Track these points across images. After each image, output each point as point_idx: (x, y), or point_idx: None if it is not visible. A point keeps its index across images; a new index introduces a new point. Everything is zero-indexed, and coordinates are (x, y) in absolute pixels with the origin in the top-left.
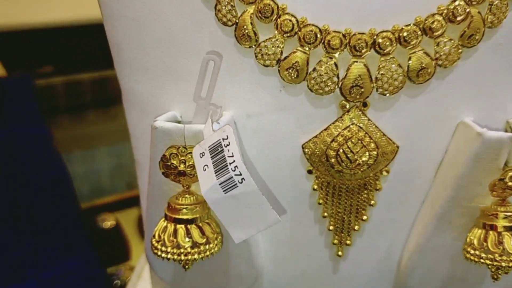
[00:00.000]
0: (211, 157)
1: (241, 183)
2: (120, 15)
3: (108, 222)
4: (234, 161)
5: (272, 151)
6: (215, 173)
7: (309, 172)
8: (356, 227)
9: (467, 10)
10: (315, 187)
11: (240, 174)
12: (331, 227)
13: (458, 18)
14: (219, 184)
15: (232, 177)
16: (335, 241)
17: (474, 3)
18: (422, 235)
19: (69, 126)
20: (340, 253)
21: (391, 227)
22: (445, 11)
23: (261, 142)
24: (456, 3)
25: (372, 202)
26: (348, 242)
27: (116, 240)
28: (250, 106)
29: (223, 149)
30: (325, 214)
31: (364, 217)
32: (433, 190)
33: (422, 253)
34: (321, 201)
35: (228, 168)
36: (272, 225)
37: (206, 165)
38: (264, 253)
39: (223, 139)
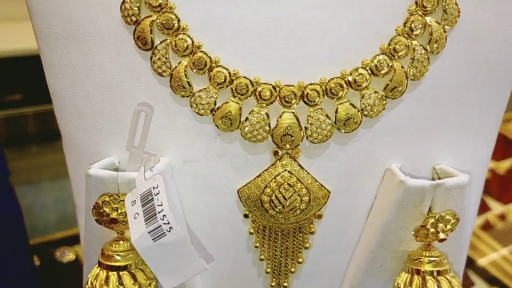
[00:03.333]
0: (142, 205)
1: (169, 231)
2: (60, 64)
3: (67, 256)
4: (162, 209)
5: (209, 196)
6: (145, 221)
7: (246, 216)
8: (293, 269)
9: (390, 64)
10: (251, 230)
11: (168, 223)
12: (268, 270)
13: (382, 72)
14: (148, 233)
15: (160, 225)
16: (273, 284)
17: (396, 57)
18: (354, 278)
19: (39, 154)
20: None
21: (327, 270)
22: (369, 65)
23: (199, 187)
24: (380, 57)
25: (307, 245)
26: (285, 284)
27: (75, 275)
28: (187, 152)
29: (153, 198)
30: (262, 257)
31: (300, 260)
32: (364, 234)
33: None
34: (257, 244)
35: (157, 217)
36: (200, 272)
37: (137, 213)
38: None
39: (153, 187)
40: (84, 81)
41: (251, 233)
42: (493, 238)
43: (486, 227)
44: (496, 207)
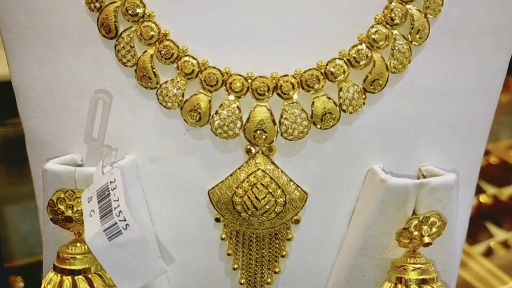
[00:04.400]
0: (98, 201)
1: (125, 229)
2: (23, 55)
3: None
4: (119, 205)
5: (178, 198)
6: (100, 218)
7: (217, 220)
8: (269, 280)
9: (369, 55)
10: (224, 236)
11: (125, 220)
12: (242, 280)
13: (360, 63)
14: (104, 231)
15: (116, 222)
16: None
17: (375, 47)
18: None
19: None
20: None
21: (307, 281)
22: (347, 56)
23: (166, 188)
24: (358, 47)
25: (284, 253)
26: None
27: None
28: (154, 149)
29: (109, 193)
30: (236, 266)
31: (277, 269)
32: (345, 241)
33: None
34: (230, 252)
35: (112, 213)
36: (159, 275)
37: (93, 210)
38: None
39: (110, 182)
40: (47, 73)
41: (223, 239)
42: (498, 268)
43: (489, 254)
44: (499, 234)
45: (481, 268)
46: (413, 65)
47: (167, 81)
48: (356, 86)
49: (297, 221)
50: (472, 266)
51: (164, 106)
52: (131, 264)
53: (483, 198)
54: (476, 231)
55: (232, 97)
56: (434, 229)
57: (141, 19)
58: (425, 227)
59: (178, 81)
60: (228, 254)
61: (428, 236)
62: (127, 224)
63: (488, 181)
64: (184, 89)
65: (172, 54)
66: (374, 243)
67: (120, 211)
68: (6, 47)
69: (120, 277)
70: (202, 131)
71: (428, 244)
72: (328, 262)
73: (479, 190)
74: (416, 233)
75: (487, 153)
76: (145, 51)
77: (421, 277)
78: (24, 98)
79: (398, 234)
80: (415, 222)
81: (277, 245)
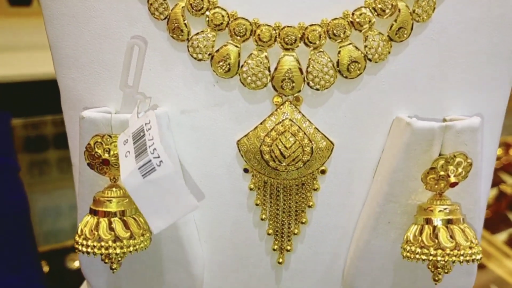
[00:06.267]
0: (133, 142)
1: (159, 166)
2: (59, 14)
3: (77, 262)
4: (153, 143)
5: (208, 149)
6: (136, 157)
7: (246, 170)
8: (296, 231)
9: (394, 3)
10: (252, 186)
11: (158, 157)
12: (270, 231)
13: (386, 11)
14: (138, 169)
15: (150, 160)
16: (275, 247)
17: None
18: (361, 238)
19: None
20: (280, 260)
21: (333, 232)
22: (372, 4)
23: (197, 140)
24: None
25: (311, 203)
26: (288, 248)
27: (83, 281)
28: (184, 102)
29: (144, 134)
30: (263, 216)
31: (304, 220)
32: (372, 190)
33: (363, 258)
34: (258, 202)
35: (147, 151)
36: (190, 211)
37: (128, 151)
38: (202, 261)
39: (145, 123)
40: (83, 29)
41: (251, 189)
42: None
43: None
44: None
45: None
46: (437, 13)
47: (198, 33)
48: (381, 35)
49: (323, 172)
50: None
51: (195, 58)
52: (163, 200)
53: (503, 188)
54: (497, 220)
55: (260, 47)
56: (460, 170)
57: None
58: (451, 167)
59: (208, 33)
60: (256, 205)
61: (454, 176)
62: (161, 161)
63: (509, 173)
64: (214, 40)
65: (203, 6)
66: (400, 188)
67: (155, 149)
68: (43, 6)
69: (152, 214)
70: (231, 82)
71: (454, 184)
72: (354, 213)
73: (499, 180)
74: (442, 173)
75: (507, 145)
76: (177, 4)
77: (447, 217)
78: (60, 55)
79: (424, 175)
80: (442, 162)
81: (304, 196)
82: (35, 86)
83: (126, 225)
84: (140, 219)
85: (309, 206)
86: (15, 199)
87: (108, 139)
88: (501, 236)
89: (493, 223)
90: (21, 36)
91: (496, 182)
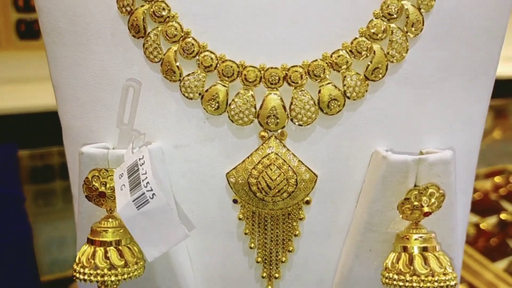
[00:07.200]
0: (128, 176)
1: (152, 198)
2: (62, 57)
3: None
4: (146, 177)
5: (199, 181)
6: (130, 190)
7: (235, 201)
8: (283, 259)
9: (369, 46)
10: (241, 216)
11: (151, 190)
12: (259, 259)
13: (362, 53)
14: (133, 201)
15: (144, 193)
16: (264, 274)
17: (375, 39)
18: (345, 266)
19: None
20: (269, 287)
21: (319, 260)
22: (349, 47)
23: (189, 172)
24: (359, 39)
25: (297, 232)
26: (276, 275)
27: None
28: (177, 137)
29: (138, 168)
30: (252, 245)
31: (291, 248)
32: (354, 220)
33: (348, 285)
34: (247, 231)
35: (141, 185)
36: (181, 240)
37: (124, 184)
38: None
39: (139, 158)
40: (83, 71)
41: (240, 219)
42: None
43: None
44: None
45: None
46: (410, 55)
47: (189, 74)
48: (358, 75)
49: (308, 202)
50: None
51: (186, 97)
52: (157, 230)
53: (503, 216)
54: (497, 247)
55: (246, 87)
56: (433, 200)
57: (166, 20)
58: (424, 198)
59: (198, 74)
60: (245, 234)
61: (427, 206)
62: (153, 194)
63: (509, 201)
64: (204, 81)
65: (193, 50)
66: (379, 218)
67: (148, 182)
68: (47, 49)
69: (146, 243)
70: (220, 119)
71: (428, 214)
72: (339, 241)
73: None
74: (416, 203)
75: (508, 172)
76: (170, 48)
77: (423, 245)
78: (62, 94)
79: (400, 205)
80: (415, 192)
81: (290, 225)
82: (42, 117)
83: (121, 254)
84: (135, 248)
85: (295, 235)
86: (20, 229)
87: (105, 173)
88: (501, 264)
89: (493, 251)
90: (29, 68)
91: (497, 210)
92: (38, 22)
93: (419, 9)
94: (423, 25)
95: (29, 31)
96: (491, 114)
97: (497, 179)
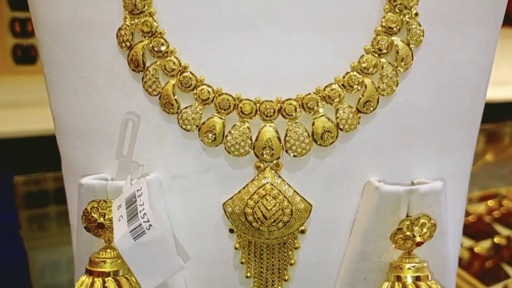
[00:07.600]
0: (126, 207)
1: (148, 229)
2: (63, 90)
3: None
4: (143, 209)
5: (196, 211)
6: (128, 221)
7: (231, 231)
8: None
9: (361, 80)
10: (237, 246)
11: (148, 221)
12: None
13: (353, 87)
14: (130, 232)
15: (141, 224)
16: None
17: (366, 74)
18: None
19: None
20: None
21: (315, 287)
22: (341, 81)
23: (186, 202)
24: (351, 74)
25: (292, 261)
26: None
27: None
28: (174, 167)
29: (136, 200)
30: (248, 274)
31: (286, 277)
32: (348, 249)
33: None
34: (243, 261)
35: (138, 216)
36: (177, 271)
37: (121, 215)
38: None
39: (137, 190)
40: (83, 103)
41: (236, 249)
42: None
43: None
44: None
45: None
46: (401, 88)
47: (187, 107)
48: (351, 107)
49: (303, 231)
50: None
51: (184, 129)
52: (153, 261)
53: (497, 240)
54: (492, 271)
55: (242, 119)
56: (425, 230)
57: (164, 55)
58: (416, 228)
59: (196, 107)
60: (241, 263)
61: (419, 236)
62: (150, 225)
63: (503, 224)
64: (201, 113)
65: (191, 84)
66: (373, 247)
67: (145, 213)
68: (47, 82)
69: (143, 274)
70: (217, 150)
71: (420, 243)
72: (334, 270)
73: (494, 232)
74: (408, 233)
75: (501, 196)
76: (168, 82)
77: (415, 274)
78: (62, 125)
79: (393, 235)
80: (407, 223)
81: (285, 254)
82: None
83: (119, 285)
84: (132, 279)
85: (291, 264)
86: (15, 256)
87: (104, 204)
88: None
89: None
90: (25, 93)
91: (491, 233)
92: (34, 47)
93: (408, 44)
94: (412, 59)
95: (25, 56)
96: (483, 138)
97: (490, 202)
